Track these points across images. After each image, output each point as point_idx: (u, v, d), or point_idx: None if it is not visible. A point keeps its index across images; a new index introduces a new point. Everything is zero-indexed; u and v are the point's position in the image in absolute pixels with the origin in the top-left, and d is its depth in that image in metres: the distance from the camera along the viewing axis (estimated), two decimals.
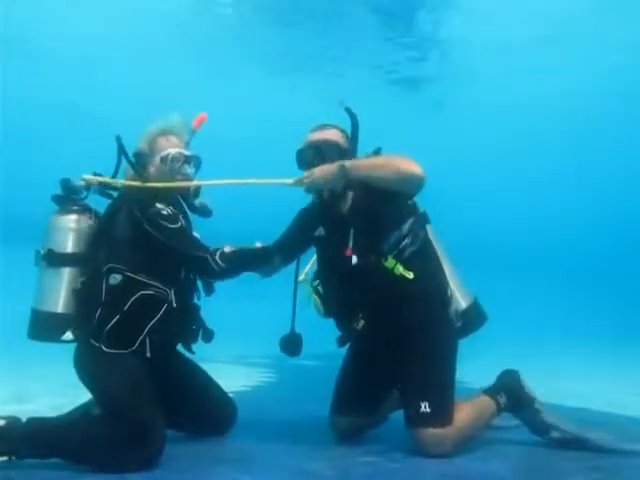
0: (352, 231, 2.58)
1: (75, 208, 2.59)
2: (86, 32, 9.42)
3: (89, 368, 2.48)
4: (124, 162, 2.67)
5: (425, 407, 2.46)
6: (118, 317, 2.43)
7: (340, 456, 2.54)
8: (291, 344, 2.84)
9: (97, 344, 2.43)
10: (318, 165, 2.57)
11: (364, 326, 2.57)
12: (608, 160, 14.67)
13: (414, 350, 2.57)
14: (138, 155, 2.67)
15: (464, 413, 2.54)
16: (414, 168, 2.40)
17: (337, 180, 2.49)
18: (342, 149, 2.65)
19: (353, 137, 2.72)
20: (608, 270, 18.09)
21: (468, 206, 15.82)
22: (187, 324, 2.64)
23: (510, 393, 2.70)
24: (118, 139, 2.64)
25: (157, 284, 2.50)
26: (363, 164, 2.50)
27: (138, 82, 10.67)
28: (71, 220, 2.56)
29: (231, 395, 2.95)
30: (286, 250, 2.86)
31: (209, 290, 2.77)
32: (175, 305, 2.51)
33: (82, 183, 2.63)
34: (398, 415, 2.96)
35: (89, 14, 8.96)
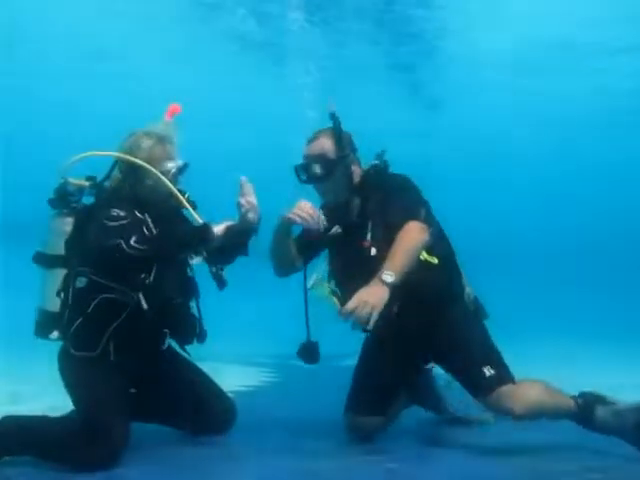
0: (370, 224, 2.64)
1: (66, 211, 2.61)
2: (86, 29, 9.41)
3: (62, 368, 2.54)
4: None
5: (489, 370, 2.52)
6: (80, 320, 2.46)
7: (340, 456, 2.54)
8: (309, 352, 2.81)
9: (67, 345, 2.49)
10: (309, 180, 2.68)
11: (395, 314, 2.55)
12: (612, 157, 14.64)
13: (446, 329, 2.63)
14: (133, 167, 2.57)
15: (536, 386, 2.55)
16: (423, 237, 2.51)
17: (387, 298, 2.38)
18: (331, 161, 2.67)
19: (341, 140, 2.70)
20: (608, 267, 18.08)
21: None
22: (160, 327, 2.59)
23: (588, 396, 2.60)
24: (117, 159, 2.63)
25: (121, 287, 2.46)
26: (402, 265, 2.41)
27: (140, 80, 10.66)
28: (63, 223, 2.59)
29: (231, 395, 2.95)
30: (302, 252, 2.83)
31: (221, 284, 2.73)
32: (144, 308, 2.46)
33: (75, 187, 2.64)
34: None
35: (90, 10, 8.96)
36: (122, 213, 2.44)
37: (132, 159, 2.55)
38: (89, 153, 2.59)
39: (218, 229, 2.44)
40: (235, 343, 7.03)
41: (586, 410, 2.54)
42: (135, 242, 2.29)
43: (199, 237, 2.45)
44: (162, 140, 2.65)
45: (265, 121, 11.53)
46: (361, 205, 2.71)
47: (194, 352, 2.82)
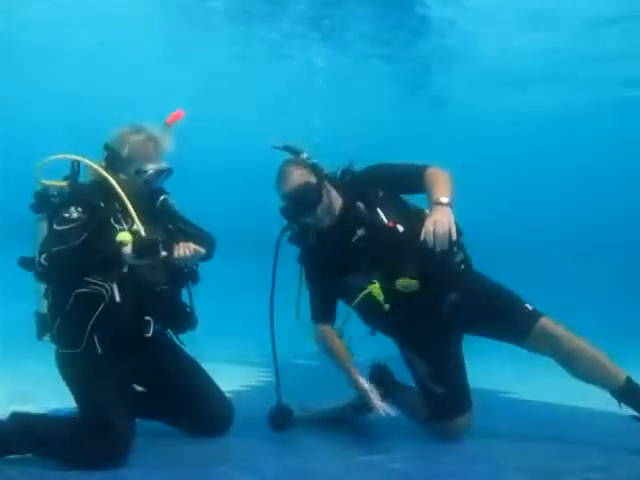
0: (379, 210, 2.71)
1: (49, 214, 2.59)
2: (85, 26, 9.41)
3: (59, 368, 2.56)
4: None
5: (528, 306, 2.71)
6: (61, 318, 2.48)
7: (340, 456, 2.53)
8: (280, 418, 2.74)
9: (55, 345, 2.53)
10: (305, 213, 2.68)
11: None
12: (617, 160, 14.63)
13: (478, 288, 2.74)
14: (113, 157, 2.62)
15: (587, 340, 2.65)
16: (448, 171, 2.70)
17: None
18: (315, 184, 2.68)
19: (310, 164, 2.73)
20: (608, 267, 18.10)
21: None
22: (141, 315, 2.55)
23: None
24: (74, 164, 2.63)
25: (95, 280, 2.44)
26: (448, 190, 2.58)
27: (139, 80, 10.67)
28: (44, 226, 2.58)
29: (231, 395, 2.94)
30: (329, 313, 2.86)
31: (194, 279, 2.75)
32: (119, 300, 2.44)
33: (55, 189, 2.63)
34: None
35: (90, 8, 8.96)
36: (75, 214, 2.45)
37: (94, 166, 2.57)
38: (55, 157, 2.60)
39: (127, 248, 2.38)
40: (234, 343, 7.03)
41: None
42: (43, 259, 2.35)
43: (105, 258, 2.43)
44: (149, 139, 2.64)
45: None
46: (365, 202, 2.74)
47: (195, 352, 2.82)
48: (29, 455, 2.39)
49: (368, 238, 2.72)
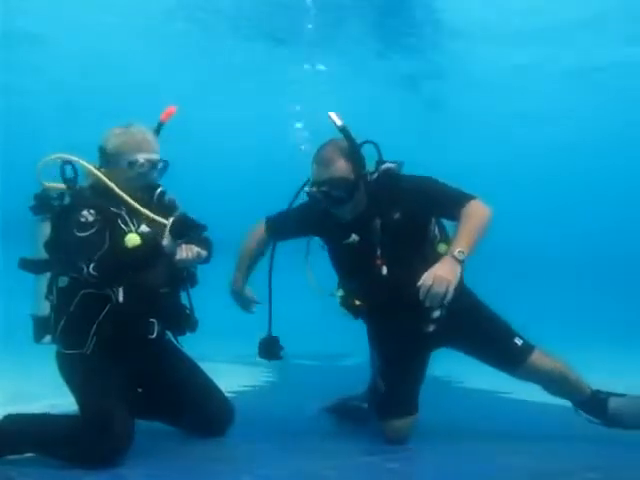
0: (379, 242, 2.63)
1: (49, 216, 2.59)
2: (86, 24, 9.41)
3: (60, 368, 2.55)
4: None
5: (518, 340, 2.70)
6: (65, 319, 2.48)
7: (340, 456, 2.53)
8: (269, 348, 2.81)
9: (58, 345, 2.52)
10: (329, 205, 2.62)
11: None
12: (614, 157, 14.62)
13: (470, 313, 2.70)
14: (104, 155, 2.62)
15: (562, 360, 2.75)
16: (489, 213, 2.56)
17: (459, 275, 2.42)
18: (351, 183, 2.58)
19: (357, 159, 2.61)
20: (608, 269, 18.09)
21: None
22: (145, 316, 2.55)
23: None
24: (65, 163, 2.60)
25: (101, 282, 2.44)
26: (471, 243, 2.48)
27: (140, 79, 10.67)
28: (47, 227, 2.56)
29: (231, 395, 2.94)
30: (280, 233, 2.89)
31: (193, 282, 2.75)
32: (122, 301, 2.45)
33: (55, 191, 2.61)
34: None
35: (91, 7, 8.95)
36: (91, 217, 2.44)
37: (92, 168, 2.56)
38: (55, 156, 2.57)
39: (165, 241, 2.38)
40: (234, 343, 7.02)
41: (600, 398, 2.70)
42: (93, 269, 2.34)
43: (150, 254, 2.44)
44: (134, 130, 2.62)
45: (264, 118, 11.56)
46: (382, 223, 2.64)
47: (195, 351, 2.82)
48: (29, 455, 2.39)
49: (358, 246, 2.67)
